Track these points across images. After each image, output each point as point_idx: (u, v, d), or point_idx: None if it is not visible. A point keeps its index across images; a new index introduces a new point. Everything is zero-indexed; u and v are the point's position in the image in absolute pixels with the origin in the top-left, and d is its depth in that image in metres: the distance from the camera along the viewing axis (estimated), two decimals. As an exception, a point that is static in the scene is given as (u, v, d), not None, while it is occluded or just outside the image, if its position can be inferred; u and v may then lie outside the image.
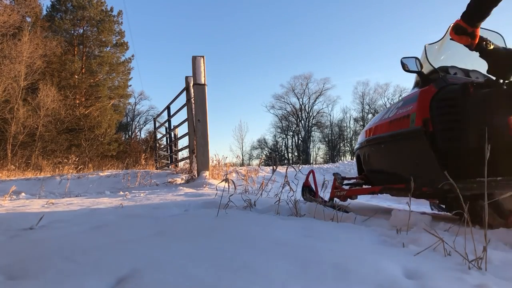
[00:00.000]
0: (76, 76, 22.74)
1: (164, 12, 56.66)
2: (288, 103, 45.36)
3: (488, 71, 1.96)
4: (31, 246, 1.33)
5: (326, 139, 44.27)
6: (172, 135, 9.16)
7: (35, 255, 1.14)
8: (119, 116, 28.22)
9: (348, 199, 2.66)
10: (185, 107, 5.87)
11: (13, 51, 16.04)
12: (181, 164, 8.37)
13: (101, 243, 1.36)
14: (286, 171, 2.77)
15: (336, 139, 44.53)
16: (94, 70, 24.41)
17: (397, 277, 1.01)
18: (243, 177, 3.86)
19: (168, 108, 8.26)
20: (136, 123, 40.21)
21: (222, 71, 57.71)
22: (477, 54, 1.92)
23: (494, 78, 1.89)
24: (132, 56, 28.09)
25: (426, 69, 2.23)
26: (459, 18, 1.85)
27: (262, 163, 15.12)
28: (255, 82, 60.65)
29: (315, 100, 45.04)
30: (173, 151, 8.95)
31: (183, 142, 14.34)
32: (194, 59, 5.12)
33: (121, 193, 4.17)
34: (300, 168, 4.18)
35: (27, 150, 16.58)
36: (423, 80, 2.21)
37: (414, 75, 2.34)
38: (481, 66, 2.14)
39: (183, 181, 5.11)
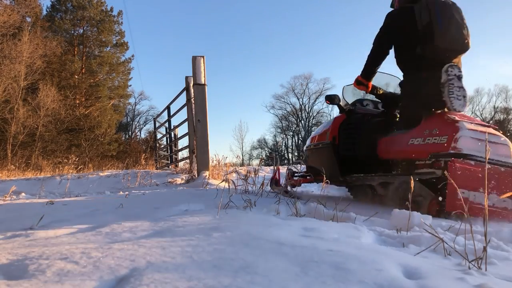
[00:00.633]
0: (76, 76, 22.73)
1: (164, 12, 56.67)
2: (288, 103, 45.36)
3: (382, 107, 3.30)
4: (31, 246, 1.33)
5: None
6: (172, 135, 9.16)
7: (35, 255, 1.14)
8: (119, 116, 28.22)
9: (298, 187, 3.68)
10: (185, 107, 5.87)
11: (13, 51, 16.04)
12: (181, 164, 8.37)
13: (101, 243, 1.36)
14: (287, 171, 2.77)
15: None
16: (94, 70, 24.41)
17: (397, 277, 1.01)
18: (243, 177, 3.86)
19: (168, 108, 8.27)
20: (136, 123, 40.22)
21: (222, 71, 57.71)
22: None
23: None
24: (132, 56, 28.14)
25: (343, 103, 3.33)
26: (360, 75, 2.97)
27: (262, 163, 15.12)
28: (255, 82, 60.67)
29: (315, 100, 45.03)
30: (173, 151, 8.95)
31: (183, 142, 14.33)
32: (194, 59, 5.12)
33: (121, 193, 4.17)
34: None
35: (27, 150, 16.58)
36: (340, 110, 3.32)
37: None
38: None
39: (183, 181, 5.11)
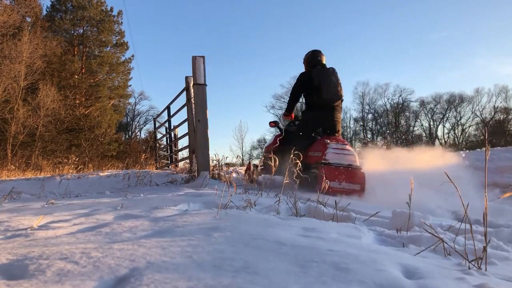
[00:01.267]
0: (76, 76, 22.73)
1: (164, 12, 56.67)
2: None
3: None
4: (31, 246, 1.33)
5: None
6: (172, 135, 9.15)
7: (35, 255, 1.14)
8: (119, 116, 28.22)
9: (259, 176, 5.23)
10: (185, 107, 5.86)
11: (13, 51, 16.03)
12: (181, 164, 8.37)
13: (101, 243, 1.36)
14: (286, 171, 2.77)
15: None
16: (94, 70, 24.40)
17: (397, 277, 1.01)
18: (243, 177, 3.86)
19: (168, 108, 8.26)
20: (136, 123, 40.23)
21: (222, 71, 57.72)
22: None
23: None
24: (132, 56, 28.11)
25: (281, 126, 5.03)
26: (285, 111, 4.56)
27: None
28: (255, 82, 60.67)
29: (315, 100, 44.99)
30: (173, 151, 8.94)
31: (183, 142, 14.32)
32: (194, 59, 5.11)
33: (121, 193, 4.16)
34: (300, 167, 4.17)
35: (27, 150, 16.58)
36: (279, 130, 5.03)
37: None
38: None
39: (183, 181, 5.11)
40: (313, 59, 4.45)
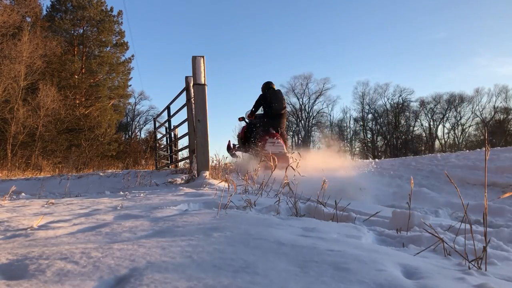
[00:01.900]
0: (76, 76, 22.72)
1: (164, 12, 56.69)
2: (288, 103, 45.34)
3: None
4: (31, 246, 1.33)
5: (326, 139, 44.24)
6: (172, 135, 9.15)
7: (35, 255, 1.14)
8: (119, 116, 28.22)
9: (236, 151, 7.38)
10: (185, 107, 5.86)
11: (13, 51, 16.03)
12: (181, 164, 8.37)
13: (101, 243, 1.36)
14: (286, 170, 2.77)
15: (336, 139, 44.55)
16: (94, 70, 24.39)
17: (397, 277, 1.01)
18: (243, 177, 3.86)
19: (168, 108, 8.26)
20: (136, 123, 40.23)
21: (222, 71, 57.72)
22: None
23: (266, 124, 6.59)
24: (132, 56, 28.08)
25: (246, 120, 7.03)
26: (249, 115, 6.82)
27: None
28: (255, 82, 60.69)
29: (315, 100, 45.07)
30: (173, 151, 8.94)
31: (183, 142, 14.28)
32: (194, 59, 5.11)
33: (121, 193, 4.17)
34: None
35: (27, 150, 16.58)
36: (246, 122, 7.01)
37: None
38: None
39: (183, 181, 5.11)
40: (267, 86, 6.82)
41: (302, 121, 45.01)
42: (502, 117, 42.63)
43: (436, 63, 59.33)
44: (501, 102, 43.13)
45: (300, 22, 58.75)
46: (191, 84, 5.44)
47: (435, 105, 45.18)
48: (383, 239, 1.83)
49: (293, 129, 45.20)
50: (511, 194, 1.43)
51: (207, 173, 4.84)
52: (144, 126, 39.95)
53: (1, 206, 2.90)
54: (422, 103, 45.41)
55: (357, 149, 46.91)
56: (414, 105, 45.74)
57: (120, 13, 25.61)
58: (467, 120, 44.43)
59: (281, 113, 6.46)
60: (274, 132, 6.34)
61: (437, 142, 45.33)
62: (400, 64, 58.77)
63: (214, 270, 1.01)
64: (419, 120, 45.76)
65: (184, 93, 5.89)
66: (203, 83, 5.08)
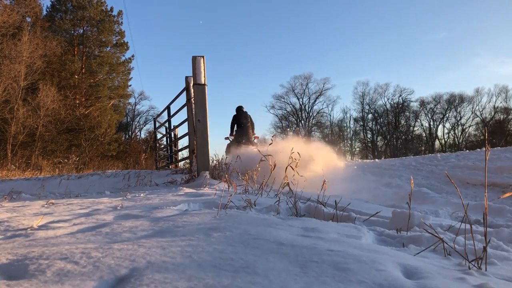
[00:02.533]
0: (76, 76, 22.72)
1: (164, 12, 56.69)
2: (288, 103, 45.40)
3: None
4: (31, 246, 1.33)
5: (326, 139, 44.28)
6: (172, 135, 9.15)
7: (35, 255, 1.14)
8: (119, 116, 28.21)
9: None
10: (185, 107, 5.87)
11: (13, 51, 16.02)
12: (181, 164, 8.37)
13: (101, 243, 1.36)
14: (286, 170, 2.77)
15: (336, 139, 44.58)
16: (94, 70, 24.39)
17: (397, 277, 1.01)
18: (243, 177, 3.86)
19: (168, 108, 8.26)
20: (136, 123, 40.21)
21: (222, 71, 57.73)
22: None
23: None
24: (132, 56, 28.08)
25: (230, 139, 8.93)
26: (230, 134, 8.87)
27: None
28: (255, 82, 60.69)
29: (315, 100, 45.07)
30: (173, 151, 8.94)
31: (183, 142, 14.27)
32: (194, 59, 5.11)
33: (121, 193, 4.17)
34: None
35: (27, 150, 16.57)
36: (229, 140, 8.99)
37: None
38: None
39: (183, 181, 5.11)
40: (237, 109, 8.76)
41: (302, 121, 45.04)
42: (502, 117, 42.63)
43: (436, 63, 59.35)
44: (501, 102, 43.15)
45: (300, 22, 58.77)
46: (191, 84, 5.44)
47: (435, 105, 45.19)
48: (383, 239, 1.83)
49: (293, 129, 45.22)
50: (511, 194, 1.43)
51: (207, 173, 4.83)
52: (144, 126, 39.96)
53: (1, 206, 2.90)
54: (422, 103, 45.42)
55: (357, 149, 46.94)
56: (414, 105, 45.76)
57: (120, 13, 25.62)
58: (467, 120, 44.45)
59: (247, 126, 8.71)
60: (244, 140, 8.58)
61: (437, 142, 45.34)
62: (400, 64, 58.79)
63: (214, 270, 1.01)
64: (419, 120, 45.77)
65: (184, 93, 5.89)
66: (203, 83, 5.08)
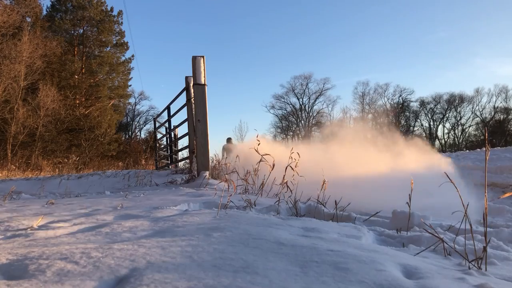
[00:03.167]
0: (76, 76, 22.71)
1: (164, 12, 56.70)
2: (288, 103, 45.37)
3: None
4: (31, 246, 1.33)
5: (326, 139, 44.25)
6: (172, 135, 9.15)
7: (35, 255, 1.14)
8: (119, 116, 28.20)
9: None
10: (185, 107, 5.86)
11: (13, 51, 16.02)
12: (181, 164, 8.37)
13: (101, 243, 1.36)
14: (286, 170, 2.77)
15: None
16: (94, 70, 24.39)
17: (397, 277, 1.01)
18: (243, 177, 3.86)
19: (168, 108, 8.26)
20: (136, 123, 40.19)
21: (222, 71, 57.73)
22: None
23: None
24: (132, 56, 28.07)
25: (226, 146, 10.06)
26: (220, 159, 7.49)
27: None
28: (255, 82, 60.69)
29: (315, 100, 45.05)
30: (173, 151, 8.94)
31: (183, 142, 14.26)
32: (194, 59, 5.11)
33: (121, 193, 4.17)
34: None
35: (27, 150, 16.56)
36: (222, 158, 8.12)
37: None
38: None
39: (183, 181, 5.11)
40: (227, 140, 10.21)
41: (302, 121, 45.03)
42: (502, 117, 42.62)
43: (436, 63, 59.31)
44: (501, 102, 43.14)
45: (300, 22, 58.77)
46: (191, 84, 5.44)
47: (435, 105, 45.19)
48: (383, 239, 1.83)
49: (293, 129, 45.22)
50: (511, 194, 1.43)
51: (207, 173, 4.84)
52: (144, 126, 39.94)
53: (1, 206, 2.90)
54: (422, 103, 45.42)
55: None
56: (414, 105, 45.77)
57: (120, 13, 25.62)
58: (467, 120, 44.45)
59: (231, 150, 10.08)
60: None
61: (437, 142, 45.34)
62: (400, 64, 58.76)
63: (214, 270, 1.01)
64: (419, 120, 45.76)
65: (184, 93, 5.89)
66: (203, 83, 5.08)
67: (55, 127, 18.65)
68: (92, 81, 23.59)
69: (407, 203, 1.84)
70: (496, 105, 43.41)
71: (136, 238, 1.45)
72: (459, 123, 44.82)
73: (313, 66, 64.13)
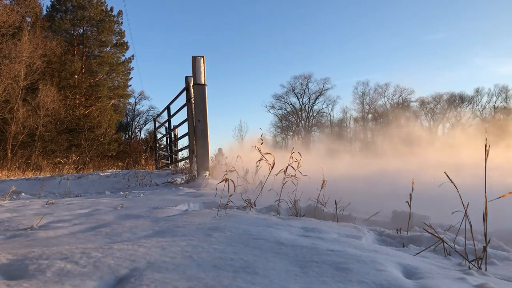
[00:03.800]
0: (76, 76, 22.71)
1: (164, 12, 56.66)
2: (288, 103, 45.36)
3: None
4: (31, 246, 1.33)
5: (326, 139, 44.27)
6: (172, 135, 9.15)
7: (35, 255, 1.14)
8: (119, 116, 28.19)
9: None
10: (185, 107, 5.87)
11: (12, 51, 16.01)
12: (181, 164, 8.37)
13: (101, 243, 1.36)
14: (285, 170, 2.77)
15: (336, 139, 44.61)
16: (94, 70, 24.38)
17: (397, 277, 1.01)
18: (243, 177, 3.86)
19: (168, 108, 8.26)
20: (136, 123, 40.17)
21: (222, 71, 57.70)
22: None
23: None
24: (132, 56, 28.04)
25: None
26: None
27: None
28: (255, 82, 60.66)
29: (315, 100, 45.04)
30: (173, 151, 8.94)
31: (183, 142, 14.28)
32: (194, 59, 5.11)
33: (121, 193, 4.17)
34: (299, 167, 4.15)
35: (27, 150, 16.56)
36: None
37: None
38: None
39: (183, 181, 5.11)
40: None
41: (302, 121, 45.02)
42: (502, 117, 42.60)
43: (436, 63, 59.26)
44: (501, 102, 43.13)
45: (300, 22, 58.76)
46: (191, 84, 5.44)
47: (435, 105, 45.17)
48: (383, 239, 1.83)
49: (293, 129, 45.22)
50: (511, 194, 1.43)
51: (207, 173, 4.84)
52: (144, 126, 39.93)
53: (1, 206, 2.90)
54: (422, 103, 45.41)
55: (357, 149, 46.90)
56: (414, 105, 45.75)
57: (120, 13, 25.61)
58: (467, 120, 44.44)
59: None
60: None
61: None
62: (400, 64, 58.72)
63: (214, 270, 1.01)
64: (419, 120, 45.74)
65: (184, 93, 5.89)
66: (203, 83, 5.08)
67: (55, 127, 18.65)
68: (92, 81, 23.59)
69: (407, 202, 1.84)
70: (496, 105, 43.42)
71: (136, 238, 1.45)
72: (459, 123, 44.81)
73: (313, 66, 64.14)
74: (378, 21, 55.34)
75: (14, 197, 4.10)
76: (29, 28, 17.89)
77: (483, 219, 1.29)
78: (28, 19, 18.84)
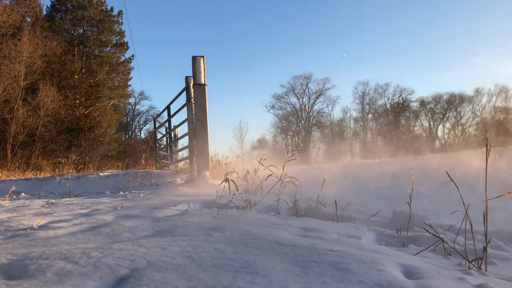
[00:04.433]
0: (76, 76, 22.70)
1: (164, 12, 56.65)
2: (288, 103, 45.36)
3: None
4: (31, 246, 1.33)
5: (326, 139, 44.31)
6: (172, 135, 9.15)
7: (35, 255, 1.14)
8: (119, 116, 28.19)
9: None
10: (185, 107, 5.86)
11: (12, 51, 16.01)
12: (181, 164, 8.37)
13: (101, 243, 1.36)
14: (284, 169, 2.77)
15: (336, 139, 44.60)
16: (94, 70, 24.38)
17: (397, 277, 1.01)
18: (243, 177, 3.86)
19: (168, 108, 8.25)
20: (136, 123, 40.20)
21: (222, 71, 57.67)
22: None
23: None
24: (132, 56, 28.03)
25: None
26: None
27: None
28: (255, 82, 60.63)
29: (315, 100, 45.04)
30: (173, 151, 8.94)
31: (183, 142, 14.30)
32: (194, 59, 5.11)
33: (121, 193, 4.17)
34: (299, 168, 4.16)
35: (27, 150, 16.56)
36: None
37: None
38: None
39: (183, 181, 5.11)
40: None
41: (302, 121, 45.02)
42: (502, 117, 42.59)
43: (436, 63, 59.25)
44: (501, 102, 43.13)
45: (300, 22, 58.76)
46: (191, 84, 5.44)
47: (435, 105, 45.17)
48: (383, 239, 1.83)
49: (293, 129, 45.22)
50: (511, 194, 1.43)
51: (207, 173, 4.83)
52: (144, 126, 39.95)
53: (1, 206, 2.90)
54: (422, 103, 45.39)
55: (357, 149, 46.89)
56: (414, 105, 45.73)
57: (120, 13, 25.61)
58: (467, 120, 44.44)
59: None
60: None
61: (437, 142, 45.31)
62: (400, 64, 58.70)
63: (214, 270, 1.01)
64: (419, 120, 45.75)
65: (184, 93, 5.89)
66: (203, 83, 5.08)
67: (55, 127, 18.65)
68: (92, 81, 23.59)
69: (408, 202, 1.84)
70: (496, 105, 43.42)
71: (136, 238, 1.44)
72: (459, 123, 44.82)
73: (313, 66, 64.15)
74: (379, 21, 55.30)
75: (14, 197, 4.09)
76: (29, 28, 17.89)
77: (483, 219, 1.29)
78: (28, 19, 18.84)
